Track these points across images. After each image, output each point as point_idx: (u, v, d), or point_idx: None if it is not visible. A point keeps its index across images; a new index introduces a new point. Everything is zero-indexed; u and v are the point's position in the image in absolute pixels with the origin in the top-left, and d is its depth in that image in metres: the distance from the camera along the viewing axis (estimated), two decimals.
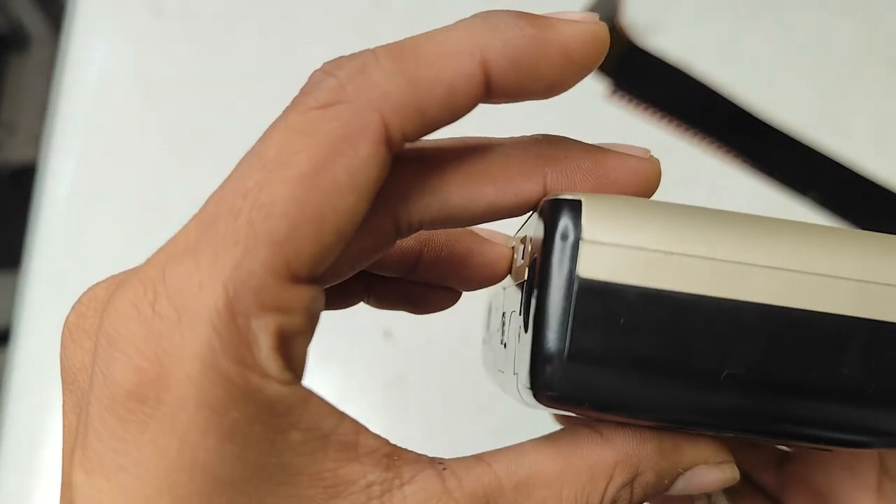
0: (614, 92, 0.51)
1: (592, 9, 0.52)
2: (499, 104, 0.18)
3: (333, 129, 0.16)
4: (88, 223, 0.48)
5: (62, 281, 0.47)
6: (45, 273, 0.47)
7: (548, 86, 0.18)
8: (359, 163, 0.16)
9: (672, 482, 0.20)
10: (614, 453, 0.19)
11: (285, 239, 0.16)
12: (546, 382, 0.17)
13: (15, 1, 1.20)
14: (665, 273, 0.17)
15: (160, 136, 0.50)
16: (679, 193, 0.51)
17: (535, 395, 0.18)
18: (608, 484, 0.18)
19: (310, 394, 0.17)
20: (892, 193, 0.48)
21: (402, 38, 0.18)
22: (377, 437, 0.18)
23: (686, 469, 0.20)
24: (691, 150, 0.50)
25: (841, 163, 0.49)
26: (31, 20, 1.22)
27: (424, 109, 0.17)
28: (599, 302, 0.17)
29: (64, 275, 0.47)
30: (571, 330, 0.17)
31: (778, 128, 0.50)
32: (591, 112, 0.50)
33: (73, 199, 0.49)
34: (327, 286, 0.19)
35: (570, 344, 0.17)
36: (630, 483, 0.19)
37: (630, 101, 0.51)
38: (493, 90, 0.17)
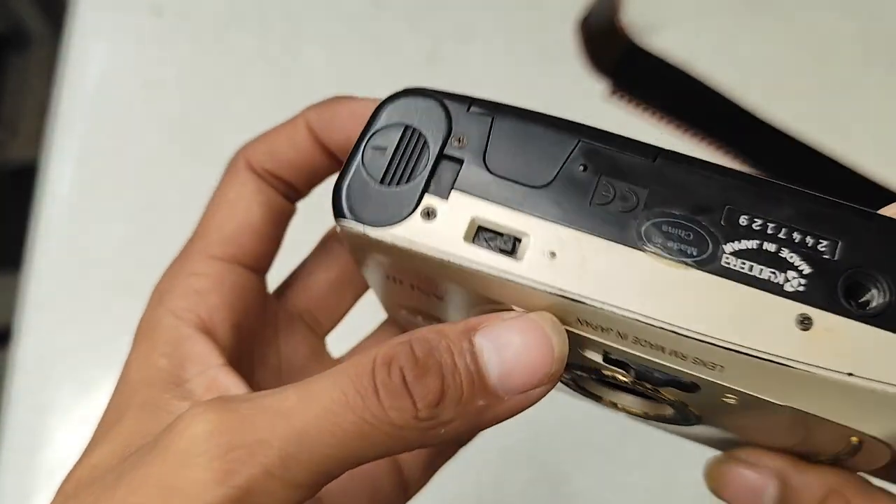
0: (614, 92, 0.51)
1: (593, 9, 0.52)
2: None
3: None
4: (88, 223, 0.48)
5: (62, 281, 0.47)
6: (45, 273, 0.47)
7: (345, 139, 0.25)
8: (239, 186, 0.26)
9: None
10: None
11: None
12: None
13: (15, 1, 1.19)
14: None
15: (160, 136, 0.50)
16: None
17: None
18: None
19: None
20: (892, 193, 0.48)
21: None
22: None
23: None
24: (691, 150, 0.50)
25: (841, 163, 0.49)
26: (31, 20, 1.22)
27: (275, 153, 0.26)
28: None
29: (64, 275, 0.47)
30: None
31: (778, 128, 0.50)
32: (591, 112, 0.50)
33: (73, 199, 0.49)
34: None
35: None
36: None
37: (630, 101, 0.51)
38: (319, 139, 0.26)
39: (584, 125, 0.21)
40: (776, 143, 0.50)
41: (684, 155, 0.20)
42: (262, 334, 0.27)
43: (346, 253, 0.28)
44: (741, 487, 0.24)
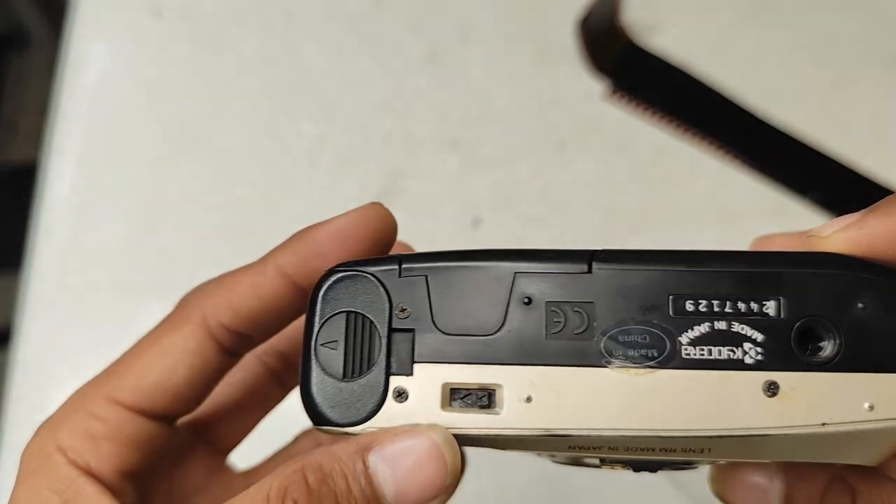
0: (614, 92, 0.51)
1: (593, 9, 0.52)
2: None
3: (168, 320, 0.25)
4: (88, 223, 0.48)
5: (62, 281, 0.47)
6: (45, 273, 0.47)
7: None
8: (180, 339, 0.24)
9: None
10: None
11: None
12: None
13: (15, 1, 1.19)
14: None
15: (160, 136, 0.50)
16: (679, 193, 0.51)
17: None
18: None
19: None
20: (893, 193, 0.48)
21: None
22: None
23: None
24: (691, 150, 0.50)
25: (841, 163, 0.49)
26: (31, 20, 1.22)
27: (235, 306, 0.24)
28: None
29: (64, 275, 0.47)
30: None
31: (778, 128, 0.50)
32: (591, 112, 0.50)
33: (73, 199, 0.49)
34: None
35: None
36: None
37: (630, 101, 0.51)
38: (295, 281, 0.24)
39: (513, 251, 0.21)
40: (776, 143, 0.50)
41: (614, 251, 0.21)
42: (157, 465, 0.26)
43: (256, 365, 0.28)
44: (747, 488, 0.24)
